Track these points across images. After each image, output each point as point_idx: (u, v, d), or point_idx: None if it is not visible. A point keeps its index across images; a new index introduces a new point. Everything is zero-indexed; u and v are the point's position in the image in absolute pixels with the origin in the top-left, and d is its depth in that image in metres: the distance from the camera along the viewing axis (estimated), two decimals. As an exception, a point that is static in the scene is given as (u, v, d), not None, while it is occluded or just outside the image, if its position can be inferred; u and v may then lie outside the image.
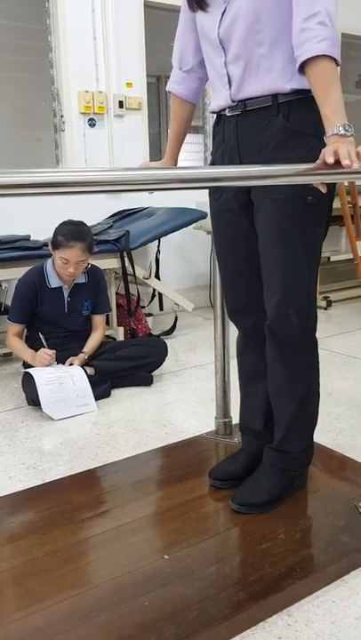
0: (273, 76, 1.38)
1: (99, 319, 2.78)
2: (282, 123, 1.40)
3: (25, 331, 2.70)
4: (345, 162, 1.16)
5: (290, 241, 1.44)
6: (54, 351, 2.54)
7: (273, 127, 1.41)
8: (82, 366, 2.55)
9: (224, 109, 1.49)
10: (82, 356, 2.61)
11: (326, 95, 1.26)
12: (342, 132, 1.22)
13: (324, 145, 1.38)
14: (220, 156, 1.53)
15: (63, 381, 2.46)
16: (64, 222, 2.57)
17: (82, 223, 2.60)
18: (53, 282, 2.62)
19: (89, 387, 2.47)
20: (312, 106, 1.39)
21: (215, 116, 1.56)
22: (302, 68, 1.30)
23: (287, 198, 1.41)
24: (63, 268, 2.54)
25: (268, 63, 1.38)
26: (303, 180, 1.27)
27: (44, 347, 2.57)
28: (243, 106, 1.44)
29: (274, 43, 1.36)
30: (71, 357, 2.58)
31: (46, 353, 2.52)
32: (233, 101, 1.45)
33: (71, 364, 2.56)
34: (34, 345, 2.66)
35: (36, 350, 2.62)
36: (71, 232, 2.51)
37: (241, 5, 1.36)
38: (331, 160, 1.18)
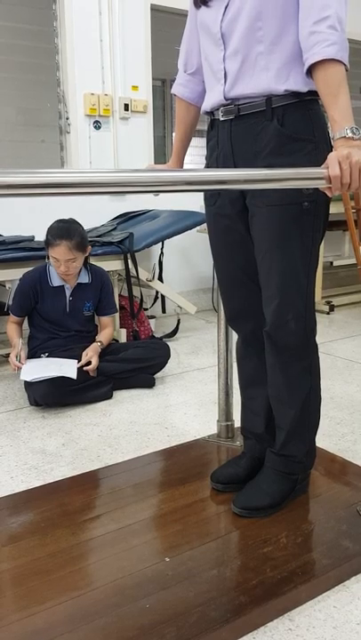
0: (269, 75, 1.37)
1: (107, 320, 2.79)
2: (276, 128, 1.39)
3: (29, 330, 2.73)
4: (345, 180, 1.20)
5: (287, 247, 1.44)
6: (22, 364, 2.52)
7: (267, 133, 1.40)
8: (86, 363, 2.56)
9: (217, 109, 1.48)
10: (96, 345, 2.62)
11: (334, 98, 1.26)
12: (350, 134, 1.23)
13: (320, 149, 1.38)
14: (214, 160, 1.52)
15: (48, 364, 2.52)
16: (55, 221, 2.59)
17: (72, 221, 2.59)
18: (55, 280, 2.64)
19: (74, 368, 2.47)
20: (307, 110, 1.39)
21: (209, 119, 1.55)
22: (310, 71, 1.30)
23: (283, 205, 1.41)
24: (56, 267, 2.57)
25: (265, 61, 1.37)
26: (310, 184, 1.27)
27: (41, 354, 2.63)
28: (236, 110, 1.43)
29: (273, 42, 1.36)
30: (86, 349, 2.58)
31: (13, 362, 2.52)
32: (226, 99, 1.44)
33: (86, 355, 2.57)
34: (35, 345, 2.67)
35: (36, 348, 2.64)
36: (58, 230, 2.52)
37: (245, 0, 1.35)
38: (335, 172, 1.20)
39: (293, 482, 1.60)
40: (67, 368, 2.46)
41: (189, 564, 1.37)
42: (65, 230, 2.51)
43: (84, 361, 2.53)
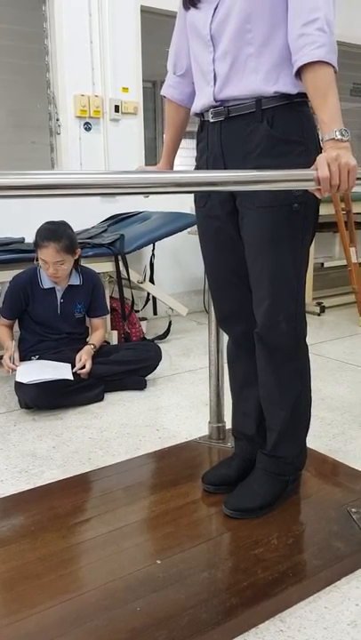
0: (258, 77, 1.37)
1: (98, 322, 2.78)
2: (266, 130, 1.39)
3: (19, 333, 2.72)
4: (334, 182, 1.21)
5: (277, 249, 1.44)
6: (16, 366, 2.51)
7: (257, 134, 1.40)
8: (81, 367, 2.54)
9: (207, 111, 1.47)
10: (89, 348, 2.61)
11: (323, 100, 1.26)
12: (339, 136, 1.23)
13: (309, 151, 1.38)
14: (204, 162, 1.52)
15: (43, 367, 2.50)
16: (45, 222, 2.58)
17: (61, 223, 2.58)
18: (46, 283, 2.63)
19: (69, 370, 2.46)
20: (296, 112, 1.39)
21: (198, 121, 1.55)
22: (299, 73, 1.31)
23: (273, 206, 1.41)
24: (45, 269, 2.56)
25: (255, 63, 1.37)
26: (300, 185, 1.28)
27: (33, 355, 2.61)
28: (226, 112, 1.43)
29: (263, 44, 1.36)
30: (80, 353, 2.56)
31: (7, 364, 2.52)
32: (216, 101, 1.44)
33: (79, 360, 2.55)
34: (26, 347, 2.66)
35: (27, 351, 2.63)
36: (46, 232, 2.51)
37: (234, 2, 1.36)
38: (324, 174, 1.21)
39: (284, 483, 1.61)
40: (62, 370, 2.45)
41: (181, 566, 1.36)
42: (53, 232, 2.50)
43: (78, 366, 2.52)
